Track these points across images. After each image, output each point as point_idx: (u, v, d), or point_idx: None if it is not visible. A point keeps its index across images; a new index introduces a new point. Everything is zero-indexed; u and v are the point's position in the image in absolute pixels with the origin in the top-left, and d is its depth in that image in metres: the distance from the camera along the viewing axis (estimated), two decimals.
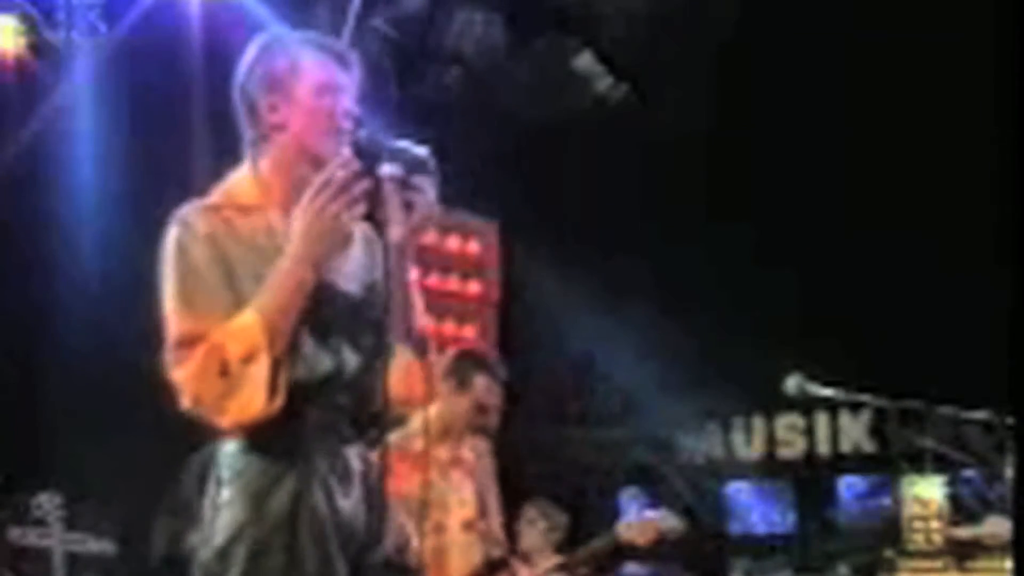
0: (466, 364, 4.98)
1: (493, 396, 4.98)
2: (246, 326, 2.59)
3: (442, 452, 4.95)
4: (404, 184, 2.69)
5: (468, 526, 4.95)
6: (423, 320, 2.85)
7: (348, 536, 2.69)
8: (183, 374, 2.60)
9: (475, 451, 5.13)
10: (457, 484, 4.97)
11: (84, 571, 6.21)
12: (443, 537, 4.91)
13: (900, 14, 7.25)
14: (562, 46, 8.39)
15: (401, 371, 2.77)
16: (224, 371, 2.57)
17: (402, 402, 2.88)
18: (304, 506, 2.66)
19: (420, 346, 2.83)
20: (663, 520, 5.43)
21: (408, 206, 2.69)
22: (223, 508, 2.68)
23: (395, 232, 2.68)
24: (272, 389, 2.57)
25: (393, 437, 5.07)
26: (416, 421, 5.08)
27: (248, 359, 2.57)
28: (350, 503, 2.71)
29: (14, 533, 6.06)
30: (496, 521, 5.13)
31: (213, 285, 2.66)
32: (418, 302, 2.83)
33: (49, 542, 5.98)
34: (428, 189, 2.70)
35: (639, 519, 5.55)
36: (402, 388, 2.79)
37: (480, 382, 4.94)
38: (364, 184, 2.64)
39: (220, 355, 2.58)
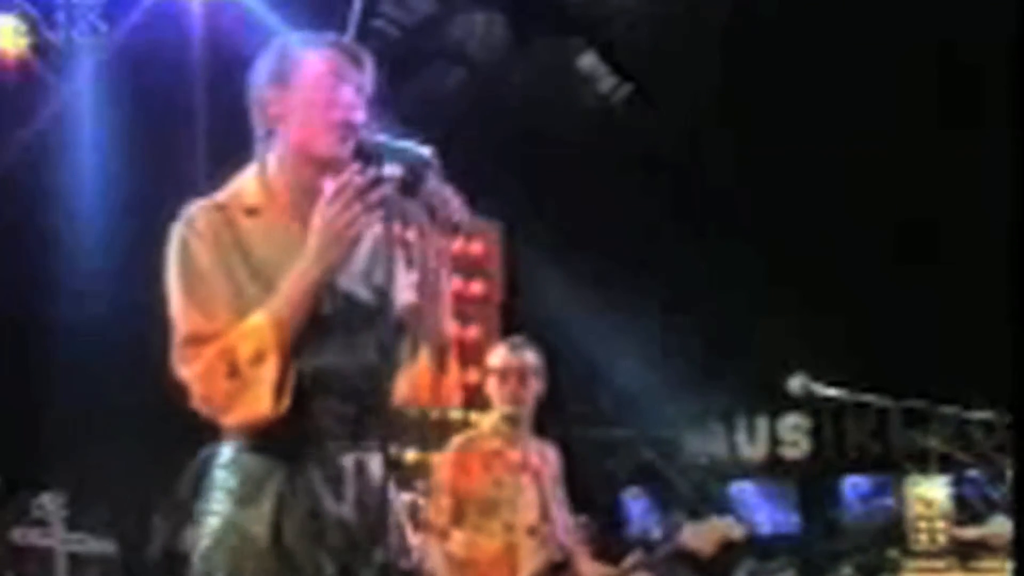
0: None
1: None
2: (256, 328, 2.60)
3: (513, 455, 5.02)
4: (423, 189, 2.68)
5: (532, 531, 5.00)
6: (448, 327, 2.82)
7: (340, 540, 2.68)
8: (191, 373, 2.61)
9: (543, 457, 5.19)
10: (525, 487, 5.03)
11: (85, 571, 6.21)
12: (512, 536, 4.96)
13: (901, 14, 7.25)
14: (565, 46, 8.38)
15: (414, 373, 2.78)
16: (233, 372, 2.59)
17: (406, 401, 2.86)
18: (287, 510, 2.66)
19: (441, 354, 2.80)
20: (729, 528, 5.35)
21: (431, 211, 2.69)
22: (210, 513, 2.71)
23: (431, 239, 2.69)
24: (279, 391, 2.58)
25: (462, 437, 5.18)
26: (486, 421, 5.15)
27: (257, 360, 2.58)
28: (341, 507, 2.70)
29: (16, 533, 6.06)
30: (560, 525, 5.17)
31: (217, 285, 2.66)
32: (448, 309, 2.80)
33: (50, 542, 5.98)
34: (448, 194, 2.69)
35: (705, 525, 5.46)
36: (411, 389, 2.79)
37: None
38: (381, 191, 2.63)
39: (230, 356, 2.59)
